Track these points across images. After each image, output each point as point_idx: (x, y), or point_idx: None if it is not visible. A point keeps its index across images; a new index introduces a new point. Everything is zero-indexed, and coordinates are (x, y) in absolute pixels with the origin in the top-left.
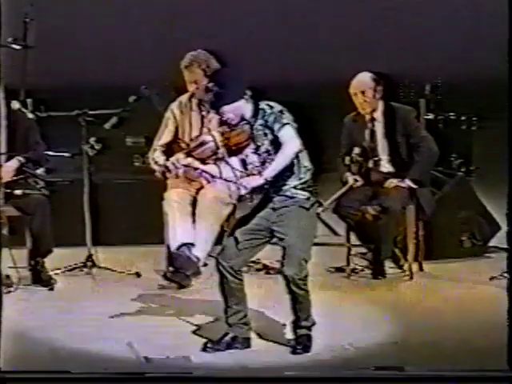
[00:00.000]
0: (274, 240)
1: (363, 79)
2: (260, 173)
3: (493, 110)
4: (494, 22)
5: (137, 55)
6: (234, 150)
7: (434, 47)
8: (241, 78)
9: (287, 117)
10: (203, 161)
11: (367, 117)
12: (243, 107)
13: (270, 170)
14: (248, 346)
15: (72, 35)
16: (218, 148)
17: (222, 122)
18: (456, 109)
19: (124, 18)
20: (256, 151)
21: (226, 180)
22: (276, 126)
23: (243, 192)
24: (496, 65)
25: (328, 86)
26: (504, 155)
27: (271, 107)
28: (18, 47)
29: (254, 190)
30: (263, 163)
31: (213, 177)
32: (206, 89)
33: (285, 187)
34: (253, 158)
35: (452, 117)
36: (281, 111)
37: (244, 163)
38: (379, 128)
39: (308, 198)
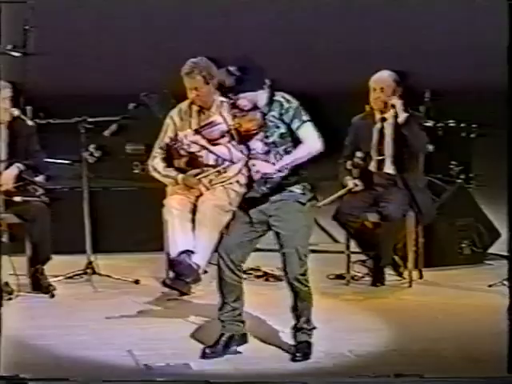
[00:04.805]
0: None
1: (385, 77)
2: (266, 161)
3: (492, 118)
4: (493, 30)
5: (136, 62)
6: (244, 136)
7: (435, 55)
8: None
9: (305, 113)
10: (210, 142)
11: (377, 116)
12: (258, 95)
13: (287, 162)
14: (245, 341)
15: (72, 43)
16: (228, 131)
17: (234, 106)
18: (456, 116)
19: (124, 24)
20: (262, 140)
21: (233, 162)
22: (295, 124)
23: (256, 177)
24: (495, 73)
25: (327, 92)
26: (503, 162)
27: (288, 101)
28: (17, 54)
29: (266, 181)
30: (267, 153)
31: (224, 159)
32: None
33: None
34: (257, 145)
35: (451, 124)
36: (298, 107)
37: (248, 148)
38: (388, 128)
39: (304, 193)
